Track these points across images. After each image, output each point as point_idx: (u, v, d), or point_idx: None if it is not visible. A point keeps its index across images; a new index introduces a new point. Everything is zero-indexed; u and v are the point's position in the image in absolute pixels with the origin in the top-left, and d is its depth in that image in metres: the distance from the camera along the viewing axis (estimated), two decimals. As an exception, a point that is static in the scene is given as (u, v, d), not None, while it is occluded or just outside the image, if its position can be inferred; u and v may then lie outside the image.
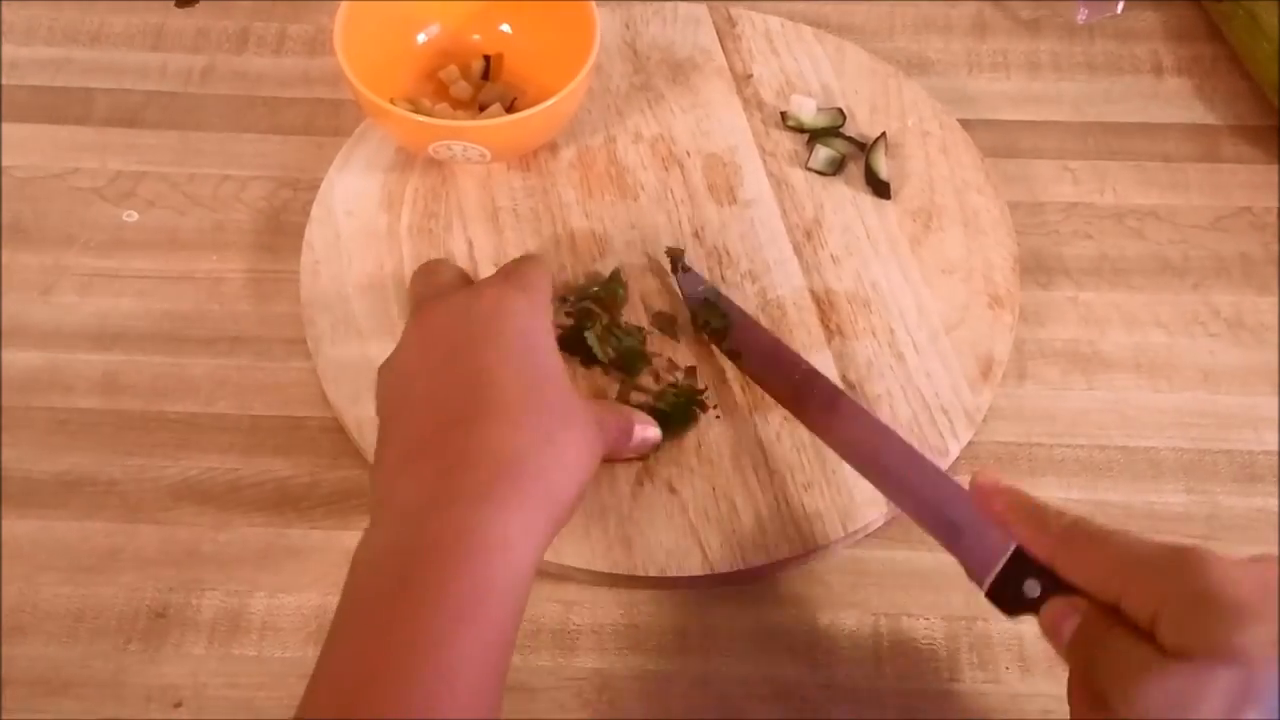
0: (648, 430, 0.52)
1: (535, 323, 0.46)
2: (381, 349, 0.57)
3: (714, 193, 0.63)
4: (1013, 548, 0.41)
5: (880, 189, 0.62)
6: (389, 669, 0.36)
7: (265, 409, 0.57)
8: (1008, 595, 0.41)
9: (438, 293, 0.48)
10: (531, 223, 0.62)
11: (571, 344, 0.56)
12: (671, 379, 0.56)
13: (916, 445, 0.54)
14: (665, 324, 0.58)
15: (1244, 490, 0.55)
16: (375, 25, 0.61)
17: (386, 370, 0.47)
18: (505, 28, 0.65)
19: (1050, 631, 0.39)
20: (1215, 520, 0.54)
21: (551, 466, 0.42)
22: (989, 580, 0.42)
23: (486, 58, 0.64)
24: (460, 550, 0.38)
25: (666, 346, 0.57)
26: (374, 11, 0.61)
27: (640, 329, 0.57)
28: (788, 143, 0.65)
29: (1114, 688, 0.35)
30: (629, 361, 0.56)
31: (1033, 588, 0.40)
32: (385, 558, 0.39)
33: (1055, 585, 0.40)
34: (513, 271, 0.50)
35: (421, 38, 0.65)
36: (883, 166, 0.63)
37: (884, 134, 0.64)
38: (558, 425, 0.43)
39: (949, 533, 0.44)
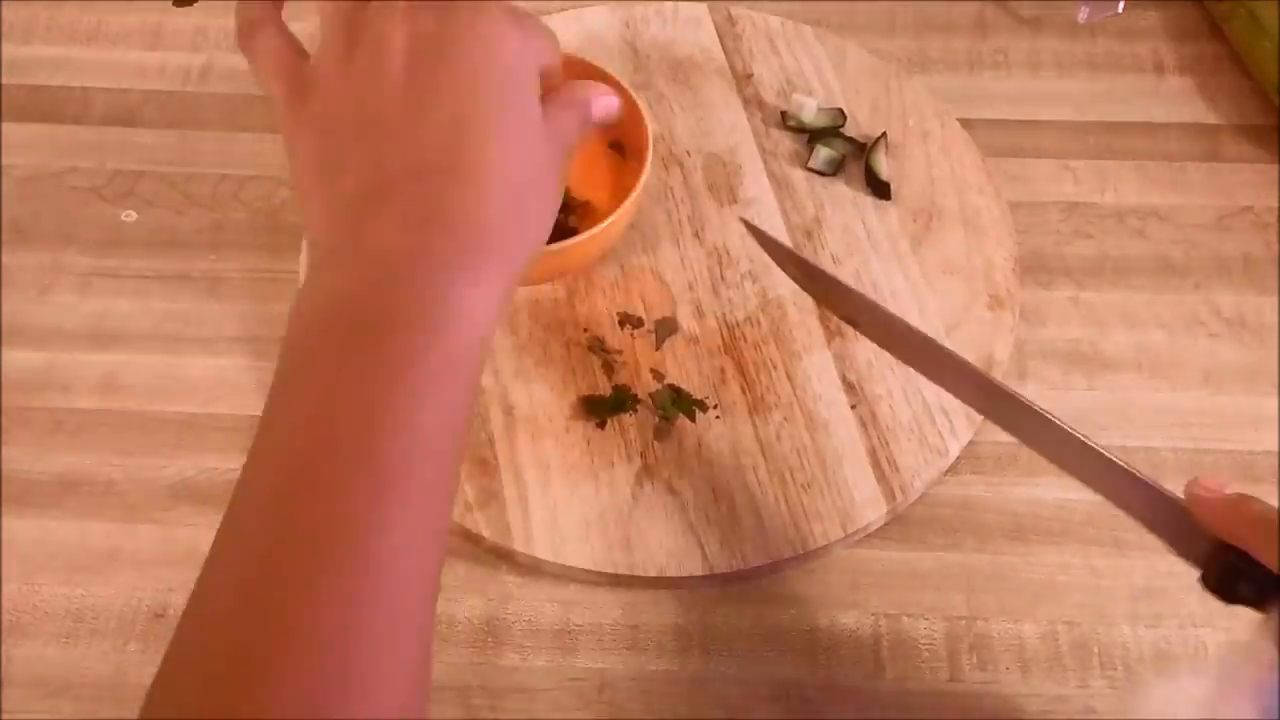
0: (601, 100, 0.43)
1: (524, 60, 0.39)
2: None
3: (714, 193, 0.63)
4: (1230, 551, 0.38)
5: (880, 189, 0.62)
6: (346, 441, 0.33)
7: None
8: (1224, 582, 0.38)
9: None
10: (531, 222, 0.61)
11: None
12: (671, 383, 0.56)
13: (916, 446, 0.54)
14: (665, 327, 0.58)
15: (1244, 491, 0.55)
16: None
17: (329, 71, 0.39)
18: None
19: None
20: (1216, 520, 0.54)
21: (516, 240, 0.38)
22: (1203, 574, 0.39)
23: None
24: (426, 321, 0.35)
25: (666, 349, 0.57)
26: None
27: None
28: (788, 143, 0.65)
29: None
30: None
31: (1247, 589, 0.37)
32: (340, 311, 0.36)
33: (1274, 584, 0.36)
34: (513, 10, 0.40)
35: None
36: (883, 167, 0.63)
37: (884, 134, 0.64)
38: (528, 192, 0.39)
39: (1149, 523, 0.41)
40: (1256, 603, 0.38)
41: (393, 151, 0.38)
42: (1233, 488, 0.38)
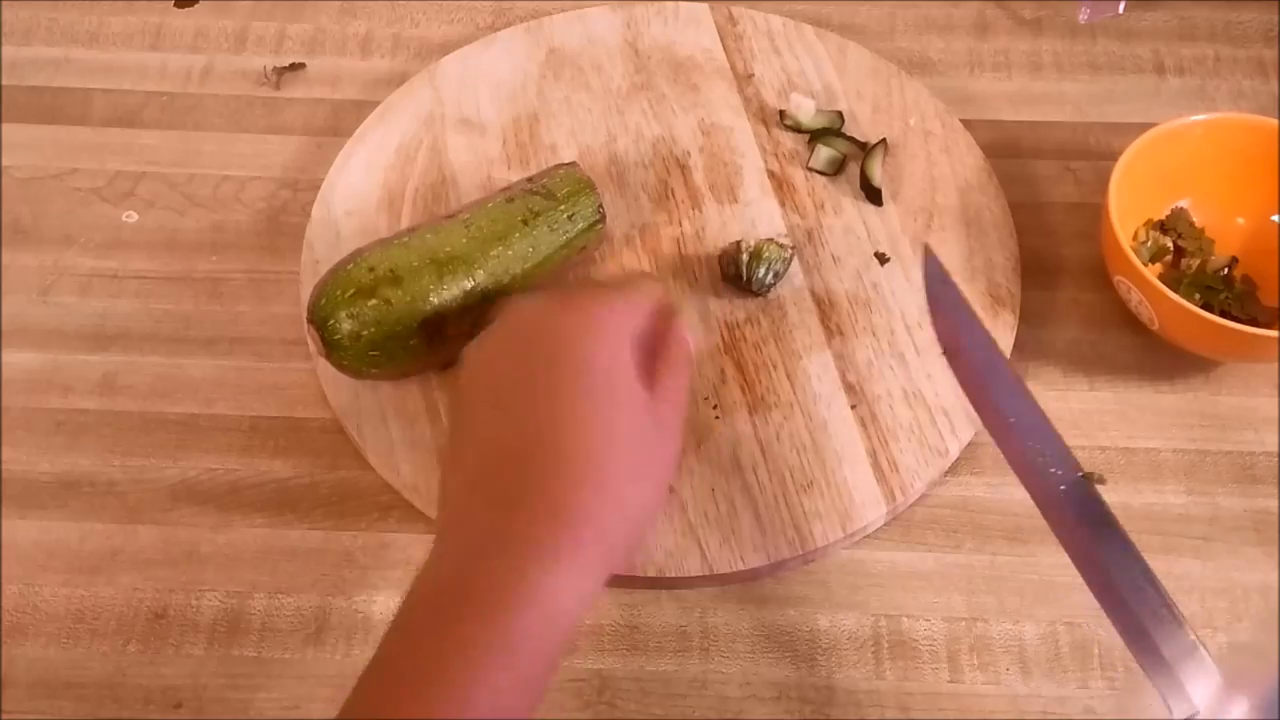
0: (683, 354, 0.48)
1: (621, 356, 0.43)
2: (381, 349, 0.57)
3: (714, 193, 0.63)
4: None
5: (873, 195, 0.62)
6: (410, 702, 0.36)
7: (265, 410, 0.57)
8: None
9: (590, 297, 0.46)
10: (531, 223, 0.61)
11: None
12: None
13: (916, 446, 0.54)
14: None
15: (1244, 491, 0.55)
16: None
17: (470, 361, 0.45)
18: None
19: None
20: (1216, 521, 0.54)
21: (615, 526, 0.41)
22: None
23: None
24: (498, 602, 0.38)
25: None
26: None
27: None
28: (789, 142, 0.65)
29: None
30: None
31: None
32: (431, 593, 0.39)
33: None
34: (618, 291, 0.47)
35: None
36: (877, 173, 0.62)
37: (884, 140, 0.63)
38: (627, 480, 0.41)
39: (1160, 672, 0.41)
40: None
41: (499, 439, 0.42)
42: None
